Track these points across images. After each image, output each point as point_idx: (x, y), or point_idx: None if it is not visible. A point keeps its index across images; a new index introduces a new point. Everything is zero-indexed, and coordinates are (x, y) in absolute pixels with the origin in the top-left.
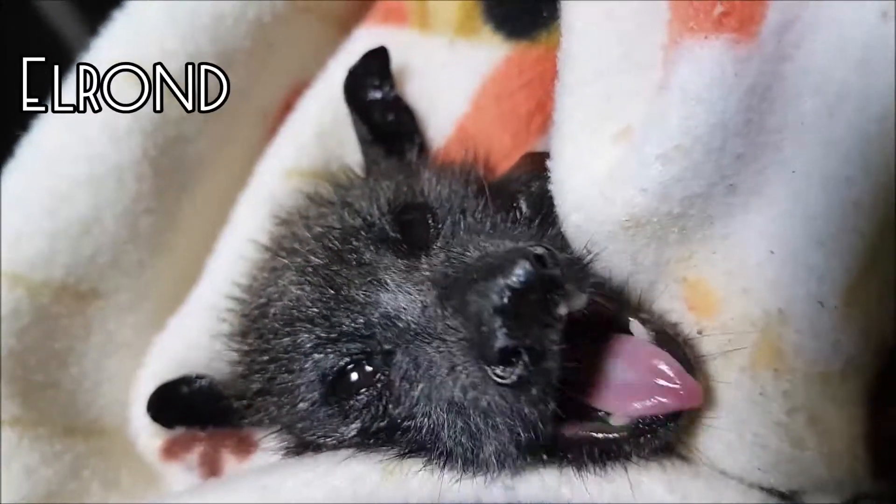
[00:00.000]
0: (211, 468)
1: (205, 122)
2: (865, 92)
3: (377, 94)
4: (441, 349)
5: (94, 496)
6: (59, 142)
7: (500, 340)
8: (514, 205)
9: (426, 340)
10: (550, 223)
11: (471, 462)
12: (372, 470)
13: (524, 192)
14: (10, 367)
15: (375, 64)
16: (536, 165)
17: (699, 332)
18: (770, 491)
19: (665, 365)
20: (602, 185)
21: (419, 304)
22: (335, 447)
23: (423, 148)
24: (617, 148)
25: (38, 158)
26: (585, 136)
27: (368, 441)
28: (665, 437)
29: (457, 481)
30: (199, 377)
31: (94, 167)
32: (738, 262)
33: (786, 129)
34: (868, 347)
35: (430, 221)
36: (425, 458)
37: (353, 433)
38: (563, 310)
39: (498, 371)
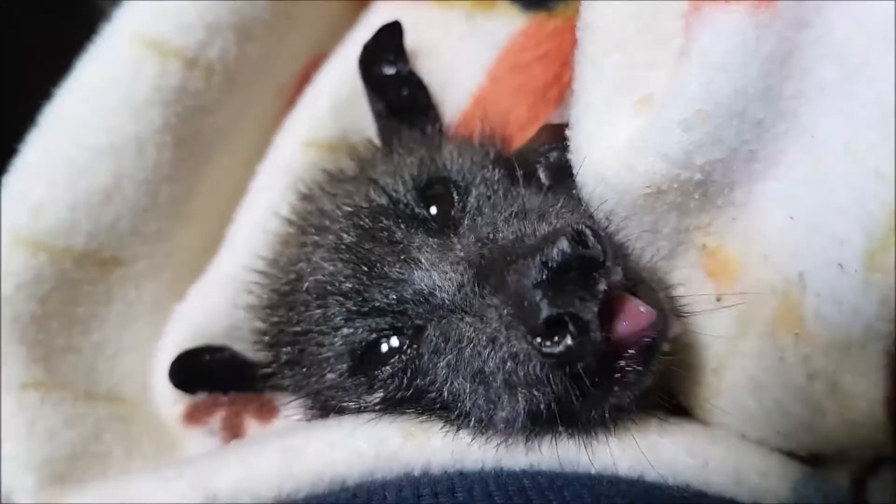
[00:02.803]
0: (233, 432)
1: (224, 93)
2: (885, 60)
3: (391, 70)
4: (477, 325)
5: (115, 459)
6: (80, 113)
7: (545, 311)
8: (534, 175)
9: (460, 316)
10: (570, 192)
11: (487, 425)
12: (394, 433)
13: (543, 162)
14: (34, 332)
15: (389, 39)
16: (555, 136)
17: (718, 299)
18: (790, 454)
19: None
20: (623, 154)
21: (455, 283)
22: (357, 412)
23: (437, 122)
24: (638, 117)
25: (59, 129)
26: (606, 105)
27: (390, 407)
28: (641, 376)
29: (478, 445)
30: (221, 347)
31: (115, 138)
32: (758, 228)
33: (804, 95)
34: (889, 315)
35: (454, 195)
36: (445, 420)
37: (376, 401)
38: (602, 286)
39: (546, 343)
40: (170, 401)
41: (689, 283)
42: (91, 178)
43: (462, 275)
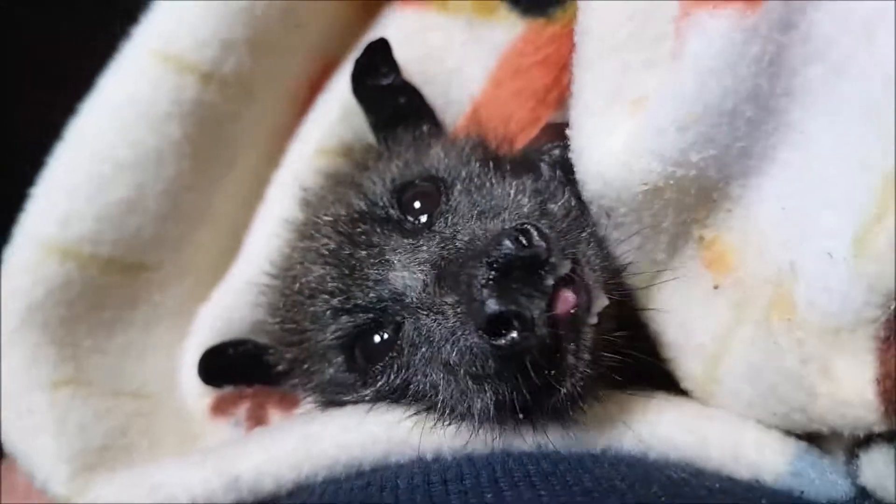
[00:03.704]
0: (258, 422)
1: (239, 104)
2: (870, 58)
3: (385, 82)
4: (440, 321)
5: (141, 452)
6: (102, 129)
7: (490, 308)
8: (536, 172)
9: (426, 314)
10: (571, 189)
11: (465, 416)
12: (405, 418)
13: (546, 160)
14: (62, 334)
15: (379, 54)
16: (557, 135)
17: (715, 287)
18: (786, 432)
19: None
20: (620, 154)
21: (420, 283)
22: (356, 404)
23: (435, 124)
24: (633, 118)
25: (82, 144)
26: (603, 107)
27: (383, 400)
28: (577, 357)
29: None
30: (244, 341)
31: (136, 151)
32: (753, 219)
33: (793, 93)
34: (876, 301)
35: (440, 192)
36: (429, 411)
37: (369, 395)
38: (549, 281)
39: (494, 337)
40: (196, 395)
41: (688, 274)
42: (114, 190)
43: (426, 275)
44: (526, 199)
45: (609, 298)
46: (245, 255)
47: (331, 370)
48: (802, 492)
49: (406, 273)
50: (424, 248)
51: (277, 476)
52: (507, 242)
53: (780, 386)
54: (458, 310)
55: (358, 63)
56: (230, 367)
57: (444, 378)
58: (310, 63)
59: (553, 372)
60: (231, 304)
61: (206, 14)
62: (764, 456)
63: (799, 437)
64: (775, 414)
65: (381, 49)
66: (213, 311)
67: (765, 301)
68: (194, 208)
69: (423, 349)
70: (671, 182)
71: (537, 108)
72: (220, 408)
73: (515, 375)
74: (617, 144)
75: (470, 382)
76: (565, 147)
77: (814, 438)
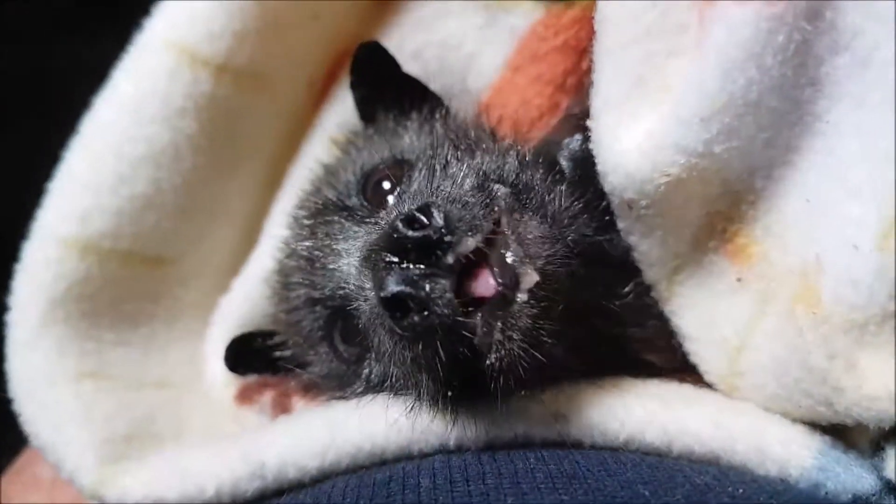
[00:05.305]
0: (282, 409)
1: (254, 96)
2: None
3: (386, 78)
4: (370, 307)
5: (168, 441)
6: (118, 125)
7: (385, 289)
8: (556, 165)
9: (363, 300)
10: (593, 182)
11: (420, 401)
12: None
13: (566, 153)
14: (85, 328)
15: (374, 53)
16: (576, 127)
17: (738, 280)
18: (811, 425)
19: None
20: (643, 146)
21: (355, 269)
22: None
23: (447, 112)
24: (656, 109)
25: (99, 140)
26: (624, 98)
27: (374, 391)
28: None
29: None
30: (271, 332)
31: (153, 146)
32: (776, 211)
33: (819, 82)
34: None
35: (403, 178)
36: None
37: (360, 388)
38: (449, 259)
39: (398, 320)
40: (221, 384)
41: (710, 266)
42: (132, 185)
43: (357, 260)
44: (466, 178)
45: (541, 274)
46: (264, 245)
47: (321, 361)
48: (827, 492)
49: (347, 260)
50: (361, 233)
51: (301, 464)
52: (399, 224)
53: (805, 380)
54: (373, 294)
55: (354, 63)
56: (255, 356)
57: (404, 368)
58: (326, 52)
59: (466, 352)
60: (251, 293)
61: (218, 5)
62: (789, 451)
63: (824, 429)
64: (800, 406)
65: (374, 49)
66: (234, 302)
67: (789, 293)
68: (212, 201)
69: (375, 337)
70: (694, 174)
71: (556, 94)
72: (245, 395)
73: (434, 358)
74: (639, 136)
75: (416, 370)
76: (585, 139)
77: (839, 430)
